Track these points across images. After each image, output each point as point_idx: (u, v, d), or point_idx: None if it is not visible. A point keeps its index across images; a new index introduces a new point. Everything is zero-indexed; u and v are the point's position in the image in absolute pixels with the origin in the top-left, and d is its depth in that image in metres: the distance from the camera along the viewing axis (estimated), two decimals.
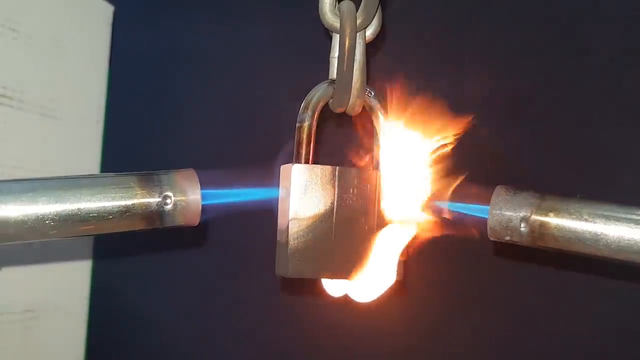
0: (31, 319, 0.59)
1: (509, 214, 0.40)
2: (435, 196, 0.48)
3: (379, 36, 0.45)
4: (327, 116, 0.47)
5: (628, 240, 0.36)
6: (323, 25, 0.44)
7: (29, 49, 0.58)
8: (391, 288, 0.51)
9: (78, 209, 0.37)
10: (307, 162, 0.42)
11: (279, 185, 0.43)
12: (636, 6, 0.53)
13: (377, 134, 0.46)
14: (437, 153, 0.57)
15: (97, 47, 0.65)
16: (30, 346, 0.60)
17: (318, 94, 0.43)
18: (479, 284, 0.56)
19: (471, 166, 0.55)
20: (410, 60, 0.59)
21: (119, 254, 0.66)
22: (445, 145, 0.57)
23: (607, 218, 0.37)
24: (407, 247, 0.44)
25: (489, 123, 0.57)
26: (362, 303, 0.57)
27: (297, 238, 0.41)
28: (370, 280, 0.43)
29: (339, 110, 0.45)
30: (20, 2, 0.58)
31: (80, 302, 0.65)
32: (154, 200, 0.39)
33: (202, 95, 0.66)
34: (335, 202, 0.41)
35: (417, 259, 0.55)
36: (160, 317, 0.65)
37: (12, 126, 0.57)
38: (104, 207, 0.38)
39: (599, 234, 0.37)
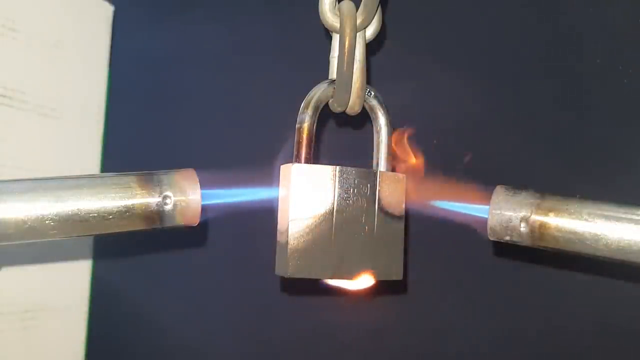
0: (31, 319, 0.59)
1: (509, 214, 0.40)
2: (435, 196, 0.48)
3: (379, 36, 0.45)
4: (327, 116, 0.47)
5: (628, 240, 0.36)
6: (323, 25, 0.44)
7: (29, 49, 0.58)
8: (391, 288, 0.51)
9: (78, 209, 0.37)
10: (307, 162, 0.42)
11: (279, 185, 0.43)
12: (636, 5, 0.53)
13: (377, 134, 0.46)
14: (437, 153, 0.58)
15: (97, 47, 0.65)
16: (30, 346, 0.60)
17: (318, 94, 0.43)
18: (479, 284, 0.56)
19: (471, 166, 0.56)
20: (410, 60, 0.59)
21: (119, 254, 0.66)
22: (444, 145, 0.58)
23: (607, 218, 0.37)
24: (407, 246, 0.44)
25: (489, 123, 0.57)
26: (361, 303, 0.57)
27: (297, 238, 0.41)
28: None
29: (339, 110, 0.45)
30: (20, 2, 0.57)
31: (80, 302, 0.65)
32: (153, 200, 0.39)
33: (202, 95, 0.66)
34: (335, 202, 0.41)
35: (417, 259, 0.55)
36: (161, 317, 0.65)
37: (12, 126, 0.57)
38: (104, 207, 0.38)
39: (599, 234, 0.37)
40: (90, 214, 0.38)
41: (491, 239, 0.41)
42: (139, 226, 0.39)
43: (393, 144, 0.46)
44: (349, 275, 0.42)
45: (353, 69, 0.43)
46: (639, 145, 0.52)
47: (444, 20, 0.59)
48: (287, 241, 0.41)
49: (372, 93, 0.45)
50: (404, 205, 0.44)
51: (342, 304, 0.58)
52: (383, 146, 0.45)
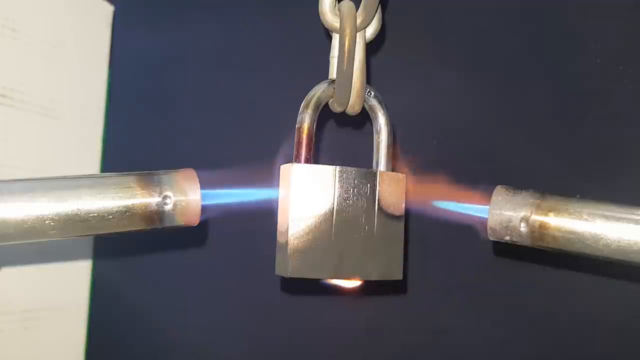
0: (31, 319, 0.59)
1: (509, 214, 0.40)
2: (435, 196, 0.48)
3: (379, 36, 0.45)
4: (327, 116, 0.47)
5: (628, 240, 0.36)
6: (323, 25, 0.44)
7: (29, 49, 0.58)
8: (391, 288, 0.51)
9: (78, 209, 0.37)
10: (307, 162, 0.42)
11: (279, 185, 0.43)
12: (635, 5, 0.53)
13: (377, 134, 0.46)
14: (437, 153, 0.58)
15: (97, 47, 0.65)
16: (30, 346, 0.60)
17: (318, 94, 0.43)
18: (479, 284, 0.56)
19: (471, 166, 0.56)
20: (410, 60, 0.59)
21: (119, 254, 0.66)
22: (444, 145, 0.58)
23: (607, 218, 0.37)
24: (407, 246, 0.44)
25: (488, 123, 0.57)
26: (361, 303, 0.57)
27: (297, 238, 0.41)
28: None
29: (338, 110, 0.45)
30: (20, 2, 0.58)
31: (80, 302, 0.65)
32: (153, 200, 0.39)
33: (202, 95, 0.66)
34: (335, 202, 0.41)
35: (418, 259, 0.55)
36: (161, 317, 0.65)
37: (12, 126, 0.57)
38: (104, 207, 0.38)
39: (599, 234, 0.37)
40: (90, 214, 0.38)
41: (491, 239, 0.41)
42: (139, 226, 0.39)
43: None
44: (349, 275, 0.42)
45: (353, 69, 0.43)
46: (639, 145, 0.52)
47: (444, 20, 0.59)
48: (287, 241, 0.41)
49: (372, 93, 0.45)
50: (404, 205, 0.44)
51: (342, 304, 0.58)
52: (383, 146, 0.45)
